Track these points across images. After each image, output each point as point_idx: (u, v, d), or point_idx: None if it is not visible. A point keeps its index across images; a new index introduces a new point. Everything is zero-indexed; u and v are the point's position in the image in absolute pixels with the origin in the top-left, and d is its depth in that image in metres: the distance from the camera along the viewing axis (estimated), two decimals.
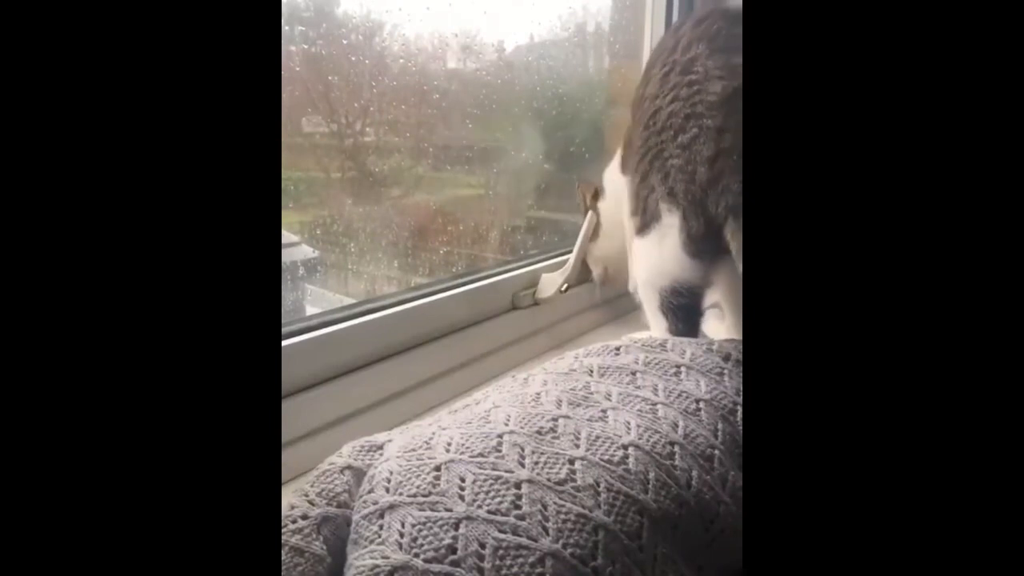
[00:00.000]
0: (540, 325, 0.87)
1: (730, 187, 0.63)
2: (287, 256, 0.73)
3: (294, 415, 0.57)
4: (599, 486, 0.40)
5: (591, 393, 0.50)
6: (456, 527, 0.36)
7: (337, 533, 0.39)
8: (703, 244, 0.67)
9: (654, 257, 0.71)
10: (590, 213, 0.86)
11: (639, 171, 0.71)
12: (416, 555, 0.34)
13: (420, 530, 0.36)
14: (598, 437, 0.44)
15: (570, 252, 0.86)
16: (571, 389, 0.50)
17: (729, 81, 0.64)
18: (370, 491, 0.39)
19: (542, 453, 0.42)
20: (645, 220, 0.71)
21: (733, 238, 0.64)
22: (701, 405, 0.51)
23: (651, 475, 0.43)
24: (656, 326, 0.74)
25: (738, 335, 0.73)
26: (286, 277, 0.73)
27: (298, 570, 0.37)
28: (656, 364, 0.55)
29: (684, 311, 0.71)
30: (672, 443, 0.46)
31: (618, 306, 0.99)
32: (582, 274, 0.90)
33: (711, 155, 0.64)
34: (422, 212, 0.86)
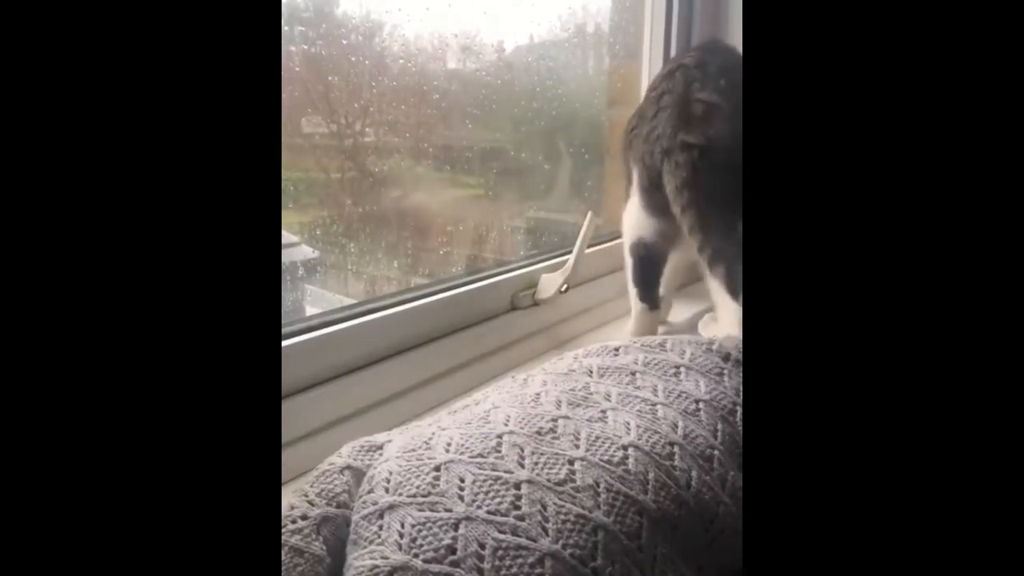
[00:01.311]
0: (540, 325, 0.87)
1: (665, 132, 0.76)
2: (287, 256, 0.73)
3: (294, 415, 0.57)
4: (599, 486, 0.41)
5: (591, 394, 0.50)
6: (456, 527, 0.36)
7: (337, 533, 0.39)
8: (655, 197, 0.78)
9: (628, 217, 0.85)
10: (589, 214, 0.86)
11: (625, 163, 0.86)
12: (415, 555, 0.34)
13: (419, 530, 0.36)
14: (598, 438, 0.44)
15: (570, 252, 0.86)
16: (571, 389, 0.50)
17: (669, 66, 0.82)
18: (370, 491, 0.39)
19: (542, 453, 0.42)
20: (626, 189, 0.86)
21: (667, 181, 0.75)
22: (701, 405, 0.51)
23: (651, 475, 0.43)
24: (628, 270, 0.88)
25: (729, 323, 0.80)
26: (286, 277, 0.73)
27: (298, 570, 0.37)
28: (655, 364, 0.55)
29: (646, 261, 0.85)
30: (672, 443, 0.46)
31: (618, 306, 0.99)
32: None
33: (652, 113, 0.79)
34: (422, 212, 0.86)
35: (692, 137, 0.74)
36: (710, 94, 0.76)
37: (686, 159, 0.73)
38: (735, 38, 1.10)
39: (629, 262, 0.87)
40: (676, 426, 0.48)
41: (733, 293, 0.71)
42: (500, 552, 0.35)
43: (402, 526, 0.36)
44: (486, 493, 0.38)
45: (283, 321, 0.60)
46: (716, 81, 0.77)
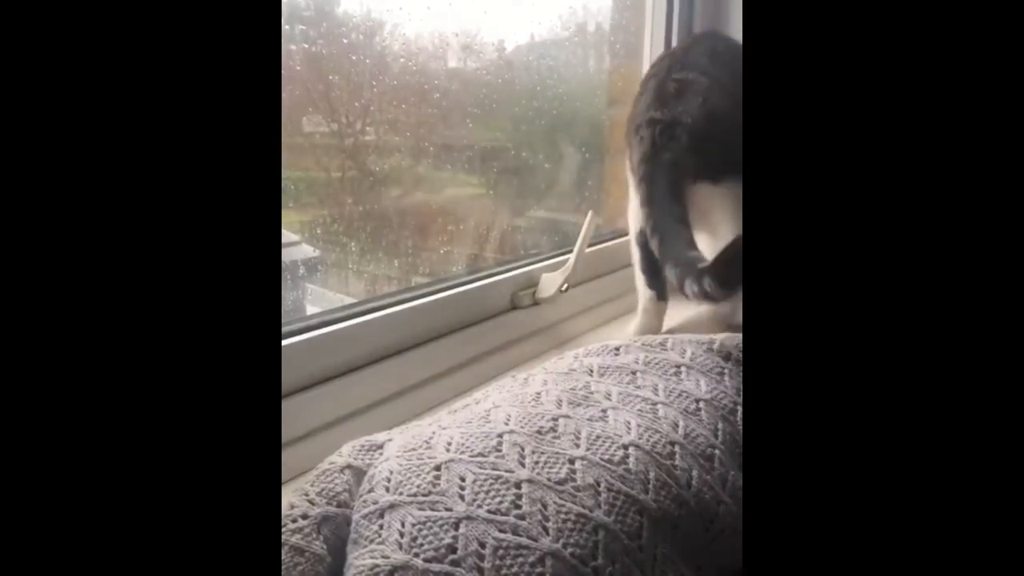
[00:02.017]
0: (540, 325, 0.86)
1: (639, 111, 0.78)
2: (287, 255, 0.73)
3: (294, 415, 0.57)
4: (599, 486, 0.40)
5: (591, 393, 0.50)
6: (456, 527, 0.36)
7: (337, 532, 0.39)
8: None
9: (630, 208, 0.85)
10: (590, 213, 0.86)
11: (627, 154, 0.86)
12: (416, 555, 0.34)
13: (420, 530, 0.36)
14: (598, 437, 0.44)
15: (570, 252, 0.86)
16: (571, 389, 0.50)
17: (662, 54, 0.85)
18: (370, 490, 0.39)
19: (542, 453, 0.42)
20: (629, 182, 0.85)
21: (630, 157, 0.78)
22: (701, 405, 0.51)
23: (651, 475, 0.43)
24: (634, 261, 0.87)
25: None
26: (286, 276, 0.73)
27: (298, 569, 0.37)
28: (656, 364, 0.55)
29: (649, 249, 0.80)
30: (672, 443, 0.46)
31: (619, 306, 0.99)
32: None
33: (637, 96, 0.81)
34: (422, 212, 0.86)
35: (659, 113, 0.76)
36: (687, 73, 0.78)
37: (648, 134, 0.76)
38: (735, 37, 1.10)
39: (635, 253, 0.87)
40: (677, 425, 0.48)
41: (662, 263, 0.74)
42: (501, 551, 0.35)
43: (403, 525, 0.36)
44: (487, 492, 0.38)
45: (283, 320, 0.60)
46: (698, 61, 0.79)
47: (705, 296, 0.69)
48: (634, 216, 0.85)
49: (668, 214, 0.74)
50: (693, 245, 0.71)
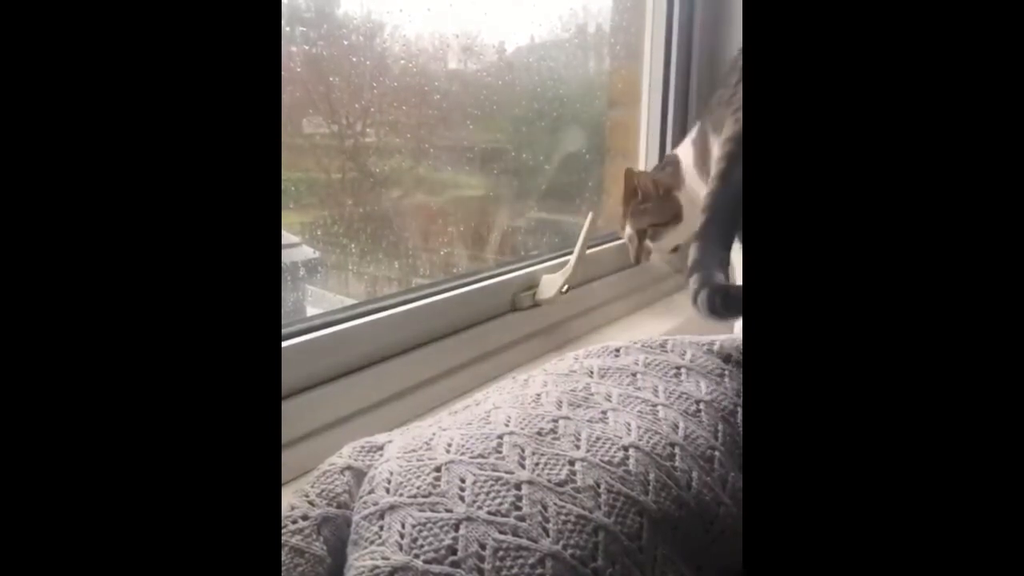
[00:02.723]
0: (540, 326, 0.86)
1: (713, 107, 0.84)
2: (288, 257, 0.73)
3: (294, 415, 0.57)
4: (599, 487, 0.40)
5: (591, 394, 0.50)
6: (456, 528, 0.36)
7: (337, 534, 0.39)
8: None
9: (686, 143, 0.91)
10: (590, 215, 0.86)
11: (700, 121, 0.92)
12: (416, 556, 0.34)
13: (420, 531, 0.36)
14: (598, 438, 0.44)
15: (571, 253, 0.86)
16: (571, 390, 0.50)
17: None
18: (370, 492, 0.39)
19: (542, 454, 0.42)
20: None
21: (723, 132, 0.80)
22: (701, 406, 0.51)
23: (651, 476, 0.43)
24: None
25: None
26: (287, 278, 0.73)
27: (298, 570, 0.37)
28: (656, 365, 0.55)
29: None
30: (672, 444, 0.46)
31: (619, 307, 0.99)
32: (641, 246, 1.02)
33: (735, 80, 0.82)
34: (422, 213, 0.86)
35: None
36: None
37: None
38: (736, 39, 1.10)
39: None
40: (677, 427, 0.48)
41: (692, 240, 0.76)
42: (501, 553, 0.35)
43: (403, 526, 0.36)
44: (487, 494, 0.38)
45: (284, 321, 0.60)
46: None
47: (694, 301, 0.72)
48: (690, 153, 0.91)
49: (727, 203, 0.76)
50: (728, 244, 0.74)
